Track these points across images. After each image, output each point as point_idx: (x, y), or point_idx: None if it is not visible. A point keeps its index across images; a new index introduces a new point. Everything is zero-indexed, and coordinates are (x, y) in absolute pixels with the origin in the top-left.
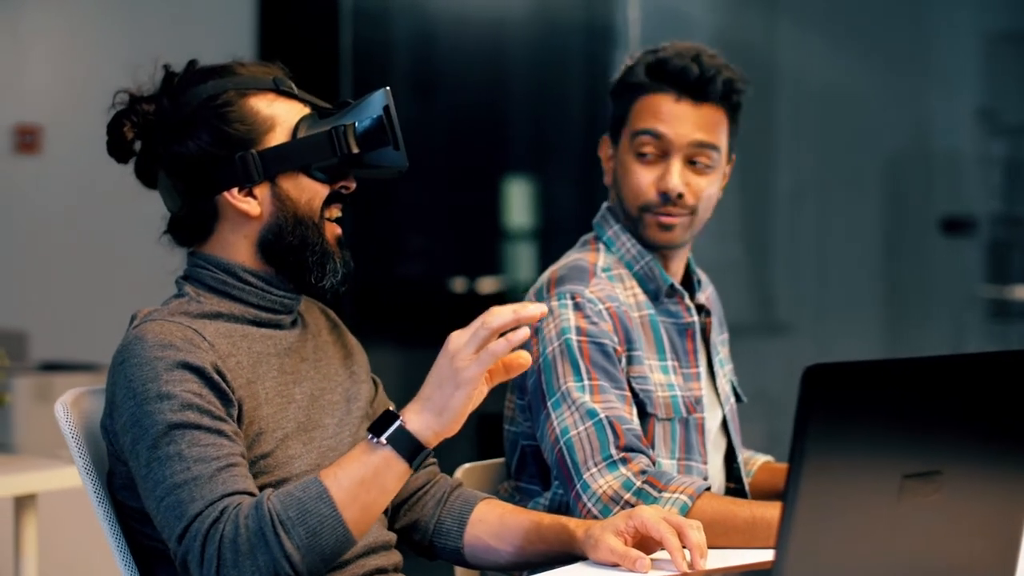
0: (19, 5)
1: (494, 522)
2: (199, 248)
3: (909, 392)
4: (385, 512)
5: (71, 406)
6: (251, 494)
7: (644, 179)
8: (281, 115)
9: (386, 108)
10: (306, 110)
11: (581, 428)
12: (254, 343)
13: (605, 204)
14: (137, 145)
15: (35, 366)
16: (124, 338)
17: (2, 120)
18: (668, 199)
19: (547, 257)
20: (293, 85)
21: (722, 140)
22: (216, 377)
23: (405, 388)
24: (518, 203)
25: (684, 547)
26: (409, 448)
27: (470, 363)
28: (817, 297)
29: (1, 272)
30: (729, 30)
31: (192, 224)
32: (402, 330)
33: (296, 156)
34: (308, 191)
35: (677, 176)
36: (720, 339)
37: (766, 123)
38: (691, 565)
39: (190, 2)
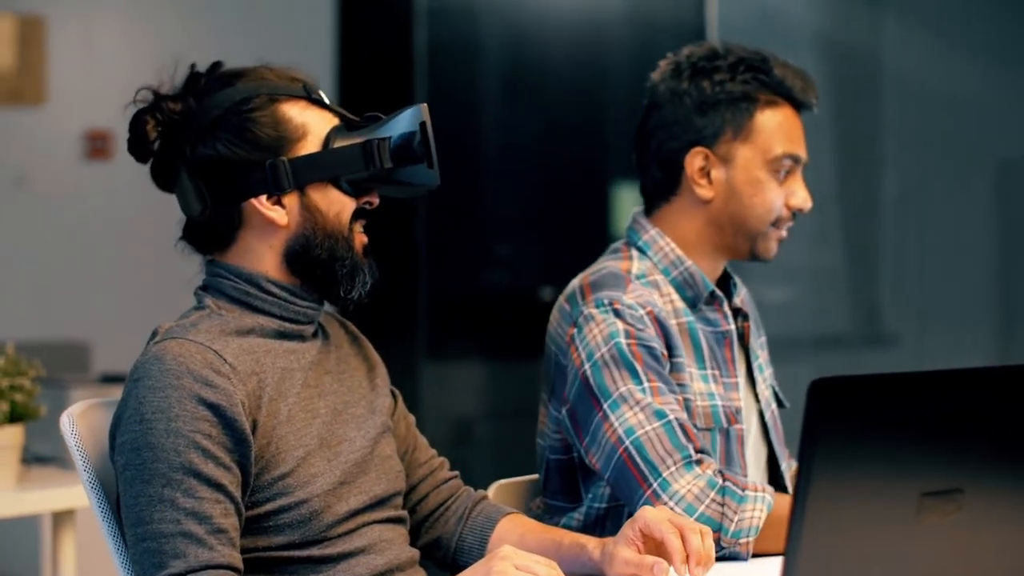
0: (91, 10)
1: (515, 540)
2: (219, 257)
3: (927, 407)
4: (408, 528)
5: (78, 418)
6: (236, 570)
7: (778, 196)
8: (313, 124)
9: (422, 124)
10: (336, 121)
11: (649, 428)
12: (278, 359)
13: (637, 210)
14: (157, 144)
15: (96, 378)
16: (143, 353)
17: (74, 125)
18: (795, 215)
19: None
20: (323, 94)
21: None
22: (233, 412)
23: (489, 402)
24: (618, 210)
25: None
26: None
27: (513, 571)
28: (925, 307)
29: (66, 281)
30: (830, 29)
31: (214, 230)
32: (488, 342)
33: (327, 167)
34: (337, 203)
35: (806, 193)
36: (759, 342)
37: (870, 126)
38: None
39: (266, 4)
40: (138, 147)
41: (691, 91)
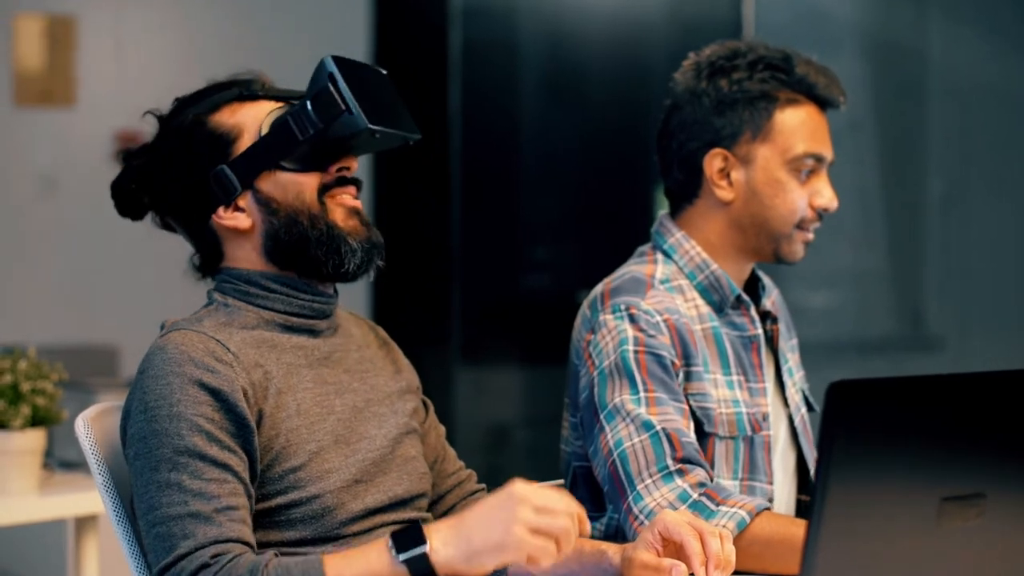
0: (121, 11)
1: None
2: (225, 262)
3: (947, 410)
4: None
5: (92, 421)
6: (247, 543)
7: (802, 197)
8: (246, 120)
9: (330, 75)
10: (276, 106)
11: (636, 440)
12: (284, 353)
13: (663, 212)
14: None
15: (124, 382)
16: (150, 347)
17: (104, 126)
18: (821, 215)
19: None
20: (265, 84)
21: None
22: (234, 398)
23: (528, 405)
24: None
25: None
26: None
27: (527, 538)
28: (970, 311)
29: (95, 284)
30: (874, 27)
31: (204, 255)
32: (525, 347)
33: (264, 155)
34: (292, 185)
35: (832, 193)
36: (789, 345)
37: (915, 124)
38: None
39: (301, 6)
40: (129, 211)
41: (709, 91)
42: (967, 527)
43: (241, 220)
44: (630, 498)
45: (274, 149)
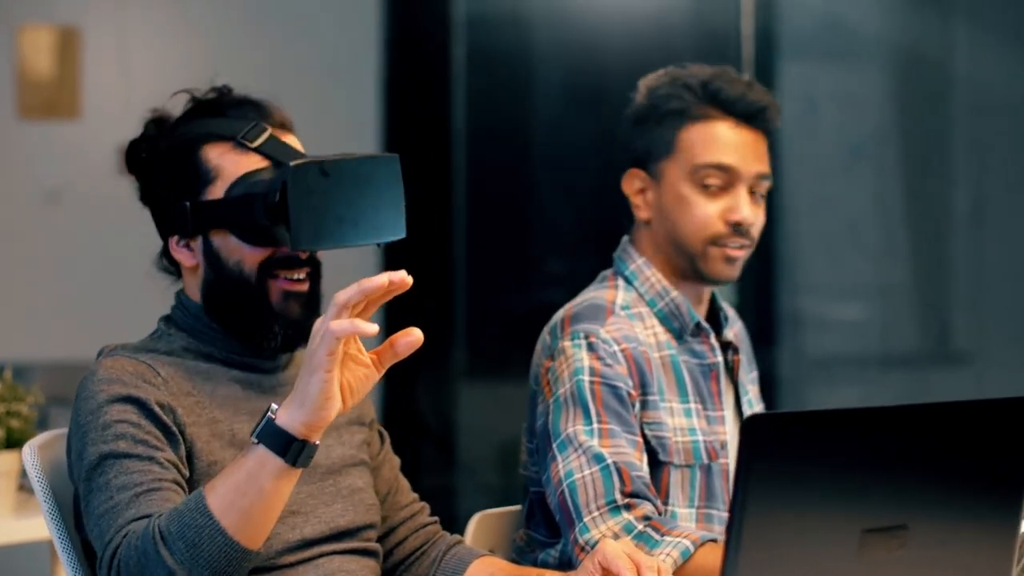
0: (126, 23)
1: None
2: (182, 286)
3: (866, 442)
4: (381, 564)
5: (39, 449)
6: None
7: (711, 211)
8: (227, 168)
9: (283, 184)
10: (263, 164)
11: (587, 472)
12: (220, 385)
13: (626, 238)
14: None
15: None
16: (86, 373)
17: (109, 139)
18: (740, 230)
19: None
20: (267, 134)
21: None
22: (158, 410)
23: None
24: None
25: None
26: (279, 443)
27: (315, 344)
28: (999, 325)
29: (100, 299)
30: (898, 37)
31: (167, 264)
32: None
33: (221, 213)
34: (236, 252)
35: (747, 207)
36: (749, 377)
37: (940, 135)
38: None
39: (308, 17)
40: (135, 169)
41: (630, 112)
42: (890, 558)
43: (187, 257)
44: (577, 529)
45: (231, 214)
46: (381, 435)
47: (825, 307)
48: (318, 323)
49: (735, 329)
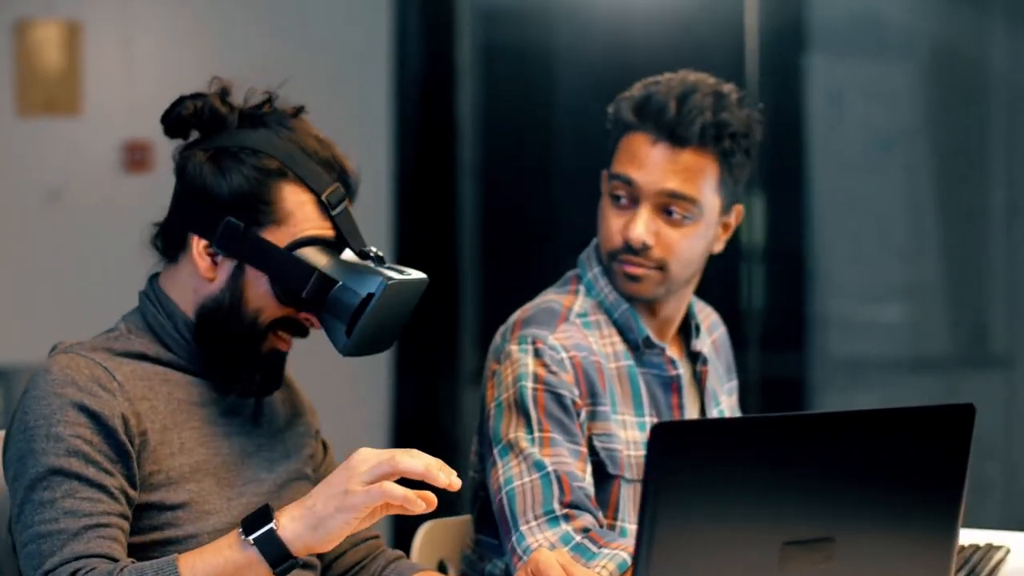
0: (129, 19)
1: None
2: (162, 273)
3: (787, 451)
4: None
5: None
6: (112, 559)
7: (614, 224)
8: (299, 222)
9: (368, 296)
10: (331, 232)
11: (527, 479)
12: (176, 389)
13: (594, 241)
14: (194, 135)
15: None
16: (37, 369)
17: (111, 136)
18: (631, 248)
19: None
20: (344, 204)
21: (704, 191)
22: (113, 424)
23: None
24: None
25: None
26: (275, 555)
27: (362, 492)
28: None
29: (102, 297)
30: (932, 31)
31: (166, 239)
32: None
33: (273, 262)
34: (263, 300)
35: (642, 225)
36: (725, 388)
37: (977, 132)
38: None
39: (318, 14)
40: (173, 121)
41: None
42: (814, 571)
43: (206, 267)
44: (514, 538)
45: (283, 269)
46: (325, 446)
47: (854, 309)
48: (365, 464)
49: (714, 337)
